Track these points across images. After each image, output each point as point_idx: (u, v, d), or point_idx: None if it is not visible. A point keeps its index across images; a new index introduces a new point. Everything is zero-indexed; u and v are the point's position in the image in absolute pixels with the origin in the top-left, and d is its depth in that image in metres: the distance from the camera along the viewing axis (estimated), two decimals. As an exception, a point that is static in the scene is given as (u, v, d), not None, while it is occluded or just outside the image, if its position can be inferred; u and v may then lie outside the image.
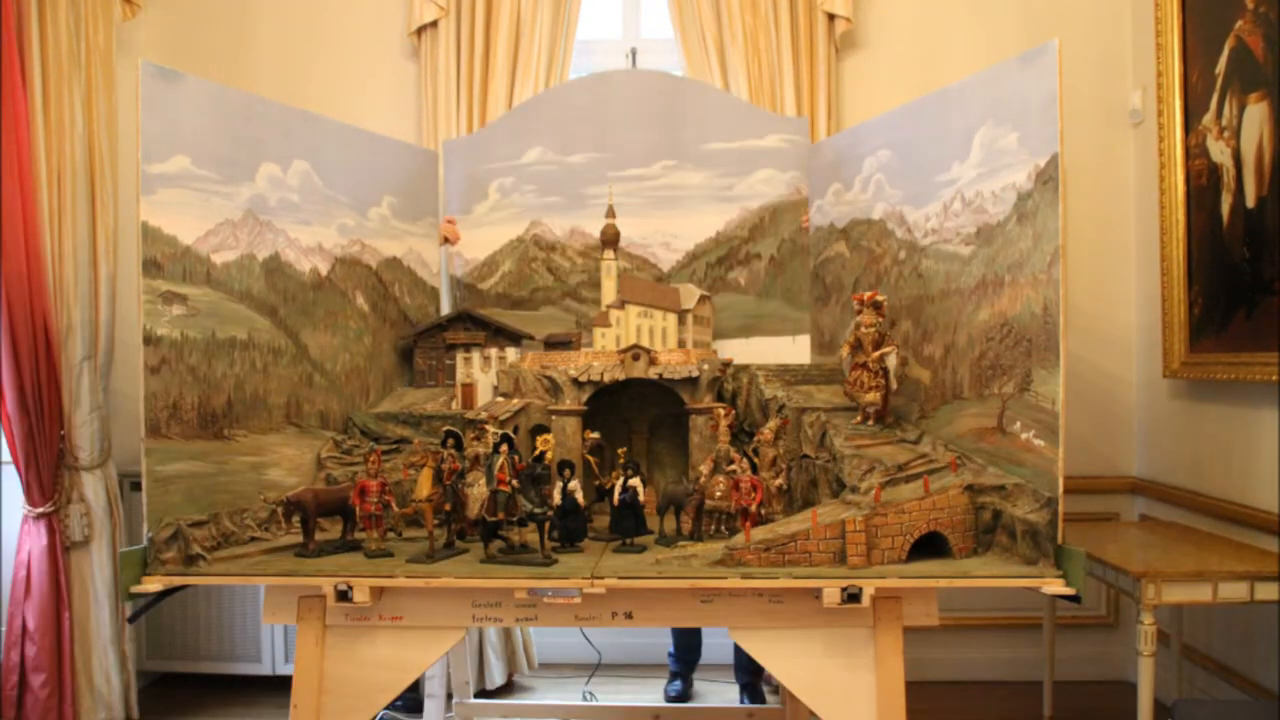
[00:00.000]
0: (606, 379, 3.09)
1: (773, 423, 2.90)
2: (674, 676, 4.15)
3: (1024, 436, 2.47)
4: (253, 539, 2.74)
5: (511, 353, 3.42)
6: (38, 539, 3.58)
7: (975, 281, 2.70)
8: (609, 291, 3.44)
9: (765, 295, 3.66)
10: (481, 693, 4.14)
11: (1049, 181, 2.41)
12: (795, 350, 3.59)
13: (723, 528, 2.68)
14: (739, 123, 3.62)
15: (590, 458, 3.06)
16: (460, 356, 3.43)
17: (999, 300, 2.60)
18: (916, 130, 2.98)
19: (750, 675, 4.07)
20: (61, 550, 3.63)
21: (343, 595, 2.41)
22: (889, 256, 3.13)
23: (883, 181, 3.15)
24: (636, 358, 3.11)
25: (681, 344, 3.51)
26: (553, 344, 3.51)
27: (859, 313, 2.89)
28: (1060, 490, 2.33)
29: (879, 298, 2.87)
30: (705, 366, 3.09)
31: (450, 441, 2.67)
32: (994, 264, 2.62)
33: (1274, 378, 3.19)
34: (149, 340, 2.54)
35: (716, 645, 4.30)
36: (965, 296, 2.75)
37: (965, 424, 2.72)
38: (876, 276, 3.18)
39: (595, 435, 3.08)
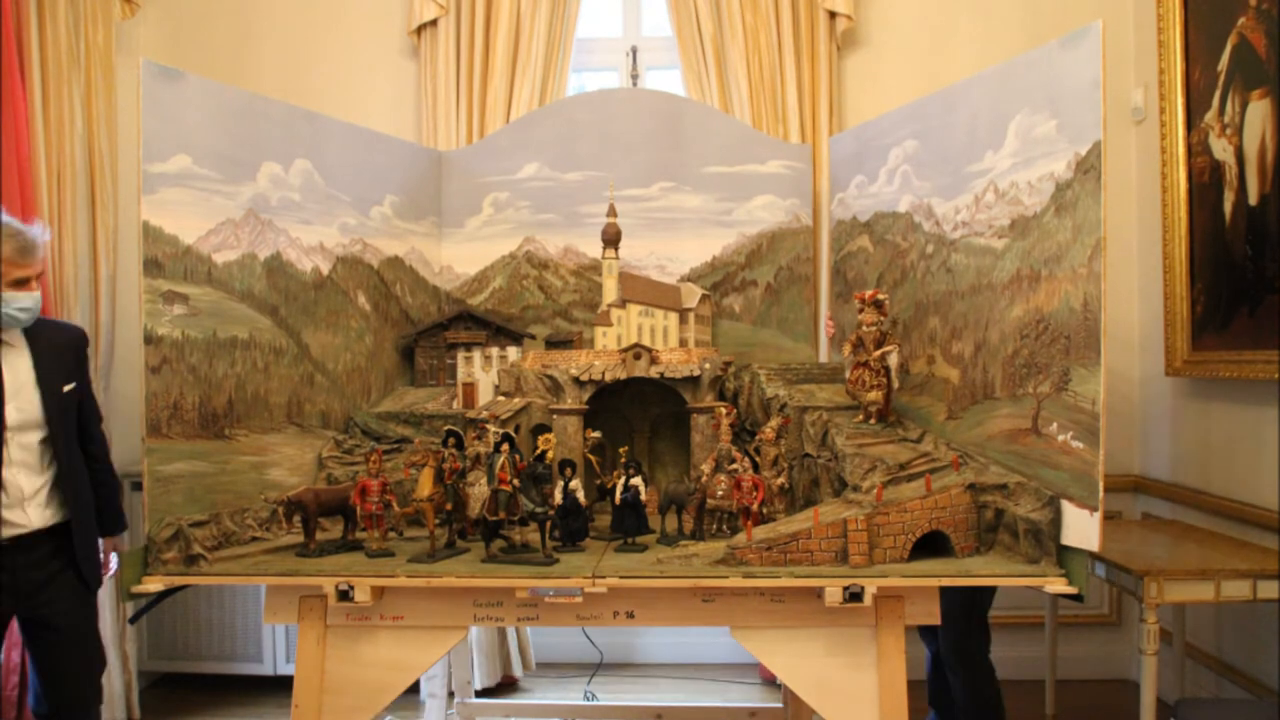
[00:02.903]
0: (608, 378, 3.09)
1: (774, 421, 2.90)
2: None
3: (1061, 438, 2.37)
4: (254, 539, 2.74)
5: (512, 352, 3.41)
6: (39, 539, 3.57)
7: (1009, 276, 2.59)
8: (610, 290, 3.44)
9: (760, 324, 3.63)
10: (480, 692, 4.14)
11: (1090, 170, 2.30)
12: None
13: (724, 527, 2.67)
14: (740, 147, 3.59)
15: (592, 457, 3.06)
16: (461, 356, 3.43)
17: (1035, 295, 2.49)
18: (946, 119, 2.86)
19: None
20: (62, 550, 3.62)
21: (344, 595, 2.40)
22: (915, 250, 3.03)
23: (909, 173, 3.05)
24: (638, 357, 3.10)
25: (683, 343, 3.51)
26: (554, 343, 3.51)
27: (860, 311, 2.88)
28: (1101, 493, 2.24)
29: (880, 296, 2.86)
30: (707, 365, 3.09)
31: (451, 441, 2.67)
32: (1029, 257, 2.51)
33: (1276, 376, 3.19)
34: (150, 340, 2.54)
35: (721, 644, 4.30)
36: (998, 292, 2.64)
37: (997, 425, 2.63)
38: (902, 271, 3.09)
39: (597, 434, 3.08)
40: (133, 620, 2.79)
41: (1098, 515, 2.26)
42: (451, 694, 3.61)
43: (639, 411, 3.31)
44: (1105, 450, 2.25)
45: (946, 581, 2.36)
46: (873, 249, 3.29)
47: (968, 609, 2.96)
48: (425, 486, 2.59)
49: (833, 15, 4.13)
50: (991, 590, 3.02)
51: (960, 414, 2.80)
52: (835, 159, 3.50)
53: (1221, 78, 3.47)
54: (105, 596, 3.71)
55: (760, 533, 2.49)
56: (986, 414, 2.68)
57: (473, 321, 3.44)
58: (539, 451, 2.66)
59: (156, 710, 4.00)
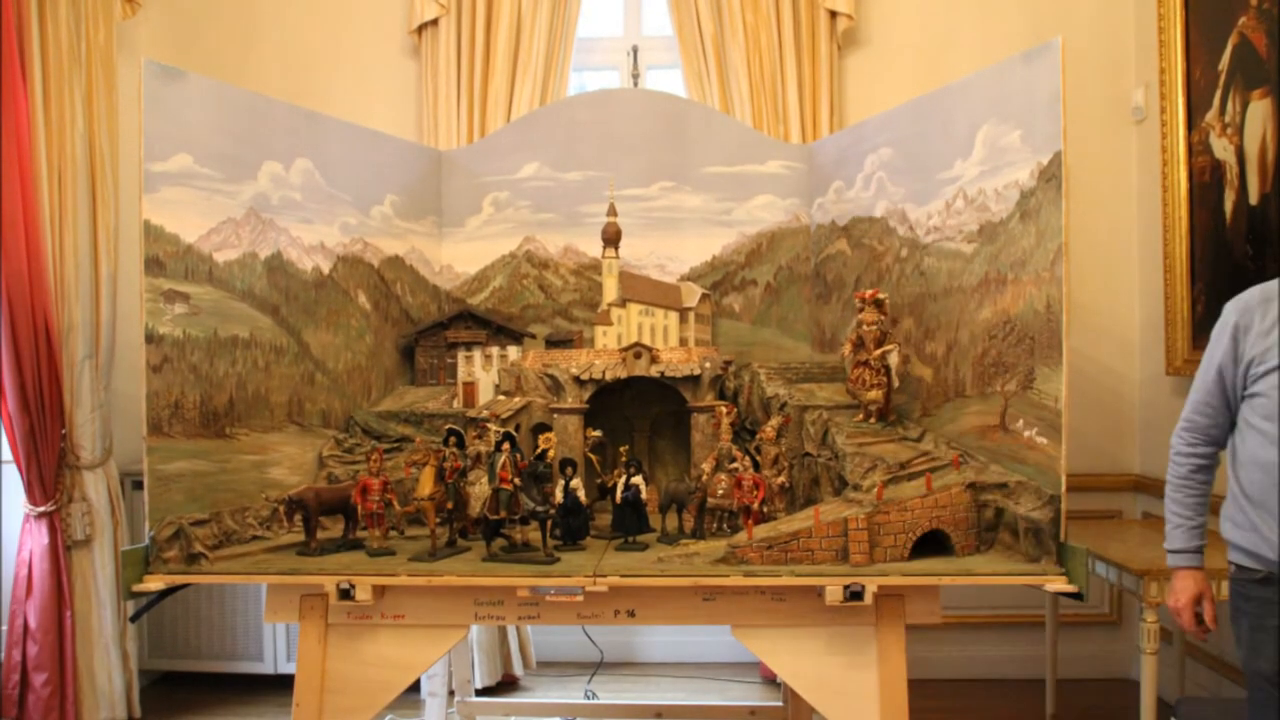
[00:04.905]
0: (608, 377, 3.09)
1: (775, 421, 2.90)
2: None
3: (1027, 434, 2.47)
4: (254, 538, 2.74)
5: (513, 351, 3.42)
6: (39, 538, 3.58)
7: (978, 279, 2.70)
8: (610, 289, 3.44)
9: (760, 323, 3.63)
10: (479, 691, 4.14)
11: (1052, 179, 2.41)
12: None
13: (725, 526, 2.68)
14: (740, 147, 3.59)
15: (592, 456, 3.06)
16: (461, 355, 3.43)
17: (1001, 298, 2.60)
18: (918, 127, 2.97)
19: None
20: (63, 549, 3.63)
21: (345, 594, 2.41)
22: (891, 254, 3.12)
23: (884, 179, 3.14)
24: (638, 356, 3.11)
25: (683, 342, 3.51)
26: (554, 342, 3.51)
27: (861, 311, 2.89)
28: (1063, 488, 2.33)
29: (881, 296, 2.87)
30: (707, 364, 3.09)
31: (452, 440, 2.68)
32: (996, 262, 2.62)
33: (1277, 375, 3.18)
34: (151, 339, 2.54)
35: (721, 644, 4.31)
36: (968, 294, 2.74)
37: (968, 422, 2.72)
38: (878, 274, 3.17)
39: (597, 433, 3.08)
40: (134, 619, 2.80)
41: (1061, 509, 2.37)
42: (452, 693, 3.61)
43: (639, 410, 3.31)
44: (1067, 445, 2.35)
45: (947, 580, 2.37)
46: (850, 252, 3.35)
47: None
48: (426, 485, 2.59)
49: (833, 15, 4.12)
50: None
51: (934, 411, 2.88)
52: (815, 165, 3.53)
53: (1222, 77, 3.47)
54: (106, 595, 3.72)
55: (761, 531, 2.50)
56: (958, 411, 2.77)
57: (473, 321, 3.45)
58: (540, 450, 2.67)
59: (157, 709, 4.00)
